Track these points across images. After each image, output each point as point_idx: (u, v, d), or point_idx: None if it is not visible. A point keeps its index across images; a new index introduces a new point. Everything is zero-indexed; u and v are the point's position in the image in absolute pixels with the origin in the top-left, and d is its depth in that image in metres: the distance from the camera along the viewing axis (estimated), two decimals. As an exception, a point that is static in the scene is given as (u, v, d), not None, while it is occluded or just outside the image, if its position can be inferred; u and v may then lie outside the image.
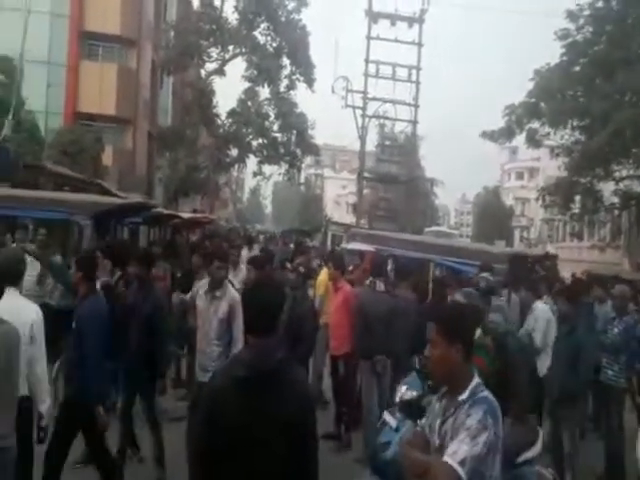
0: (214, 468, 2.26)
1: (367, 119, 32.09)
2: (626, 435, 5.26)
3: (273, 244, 17.97)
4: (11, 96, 13.77)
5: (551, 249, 26.60)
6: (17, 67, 14.91)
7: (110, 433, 4.51)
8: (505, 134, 21.43)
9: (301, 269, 6.72)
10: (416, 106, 33.94)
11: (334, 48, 78.51)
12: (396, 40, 34.43)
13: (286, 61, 28.49)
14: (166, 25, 28.85)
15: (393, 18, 34.79)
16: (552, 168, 26.84)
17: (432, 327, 2.41)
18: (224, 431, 2.25)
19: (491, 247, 13.18)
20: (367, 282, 6.81)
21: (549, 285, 7.71)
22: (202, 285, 4.97)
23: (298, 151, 29.02)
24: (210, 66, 28.81)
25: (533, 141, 21.16)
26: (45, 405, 3.52)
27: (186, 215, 16.25)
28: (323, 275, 7.99)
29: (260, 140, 28.70)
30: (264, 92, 28.58)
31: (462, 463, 2.08)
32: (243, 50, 27.76)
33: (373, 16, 34.54)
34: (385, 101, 33.19)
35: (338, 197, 69.48)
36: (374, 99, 33.12)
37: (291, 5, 28.10)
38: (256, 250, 10.46)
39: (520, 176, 57.71)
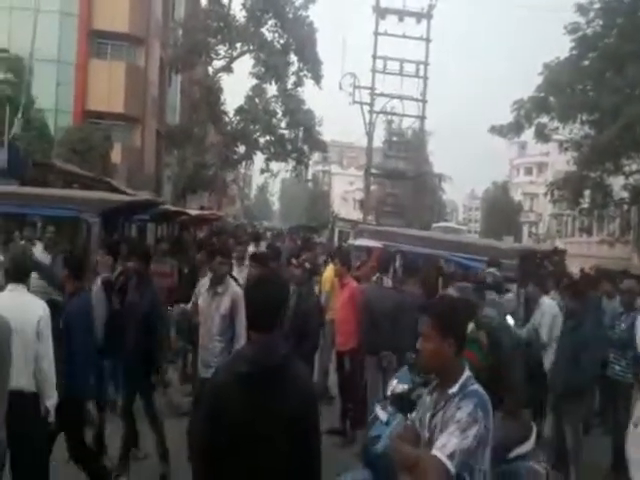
0: (217, 464, 2.26)
1: (374, 115, 32.03)
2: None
3: (280, 241, 18.00)
4: (21, 95, 13.88)
5: (560, 244, 26.45)
6: (27, 66, 15.02)
7: (111, 431, 4.58)
8: (514, 129, 21.29)
9: (307, 265, 6.75)
10: (424, 101, 33.81)
11: (341, 44, 78.44)
12: (404, 36, 34.29)
13: (293, 58, 28.46)
14: (174, 23, 28.92)
15: (401, 14, 34.65)
16: (561, 163, 26.67)
17: (424, 321, 2.39)
18: (227, 427, 2.25)
19: (501, 243, 13.18)
20: (374, 278, 6.83)
21: (557, 280, 7.68)
22: (204, 282, 4.99)
23: (305, 148, 29.00)
24: (218, 63, 28.86)
25: (542, 136, 21.01)
26: (52, 400, 3.56)
27: (193, 212, 16.33)
28: (329, 271, 8.01)
29: (267, 137, 28.71)
30: (271, 89, 28.61)
31: (451, 456, 2.07)
32: (251, 47, 27.77)
33: (381, 12, 34.42)
34: (393, 97, 33.07)
35: (345, 193, 69.41)
36: (382, 95, 33.03)
37: (298, 2, 28.06)
38: (263, 247, 10.48)
39: (529, 171, 57.34)
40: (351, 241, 19.16)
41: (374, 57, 34.04)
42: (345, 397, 6.56)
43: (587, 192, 19.81)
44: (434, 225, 27.83)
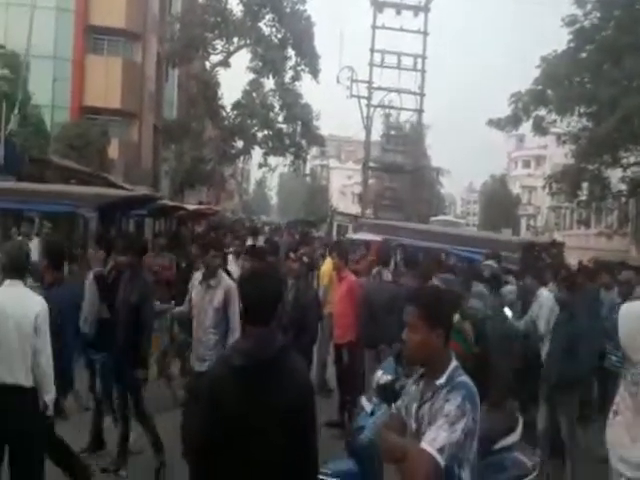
0: (213, 457, 2.27)
1: (372, 109, 31.97)
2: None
3: (278, 235, 18.02)
4: (17, 91, 13.84)
5: (558, 237, 26.49)
6: (23, 62, 14.96)
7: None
8: (511, 122, 21.25)
9: (305, 259, 6.76)
10: (422, 95, 33.80)
11: (339, 38, 78.07)
12: (401, 29, 34.21)
13: (291, 52, 28.40)
14: (171, 18, 28.80)
15: (398, 7, 34.58)
16: (559, 156, 26.64)
17: (410, 311, 2.33)
18: (223, 420, 2.25)
19: (504, 236, 13.22)
20: (374, 271, 6.84)
21: (555, 273, 7.69)
22: (197, 276, 4.98)
23: (303, 142, 28.97)
24: (215, 58, 28.79)
25: (540, 128, 20.98)
26: (50, 395, 3.56)
27: (191, 207, 16.34)
28: (327, 265, 8.03)
29: (265, 131, 28.67)
30: (269, 83, 28.55)
31: (441, 450, 2.06)
32: (248, 42, 27.68)
33: (378, 5, 34.35)
34: (390, 90, 33.02)
35: (344, 187, 69.37)
36: (379, 89, 32.99)
37: (296, -5, 27.97)
38: (261, 241, 10.50)
39: (527, 164, 57.32)
40: (349, 235, 19.19)
41: (372, 50, 33.99)
42: (343, 390, 6.57)
43: (585, 185, 19.80)
44: (432, 219, 27.83)
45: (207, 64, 29.42)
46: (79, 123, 19.70)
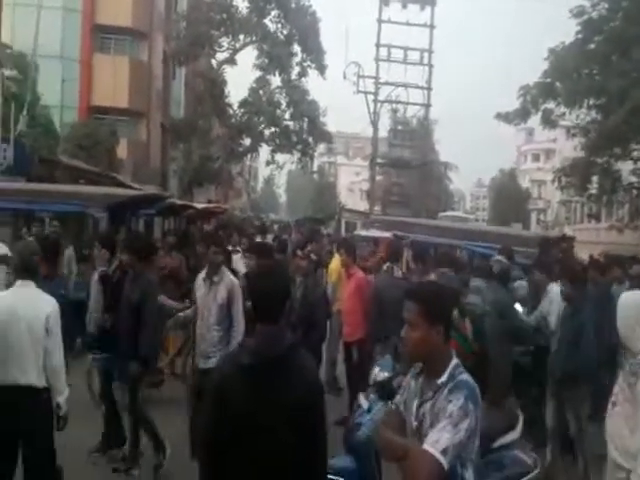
0: (222, 456, 2.26)
1: (379, 104, 31.84)
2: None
3: (287, 233, 18.04)
4: (26, 92, 13.92)
5: (568, 231, 26.28)
6: (31, 63, 15.04)
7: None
8: (520, 115, 21.06)
9: (313, 256, 6.76)
10: (429, 89, 33.59)
11: (345, 33, 77.84)
12: (407, 23, 34.01)
13: (297, 48, 28.32)
14: (177, 16, 28.84)
15: (405, 0, 34.36)
16: (569, 149, 26.44)
17: (410, 308, 2.28)
18: (231, 419, 2.25)
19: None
20: (385, 267, 6.83)
21: (564, 268, 7.63)
22: (201, 274, 4.98)
23: (310, 139, 28.93)
24: (221, 56, 28.79)
25: (549, 121, 20.79)
26: (63, 395, 3.58)
27: (200, 205, 16.39)
28: (335, 262, 8.02)
29: (272, 129, 28.65)
30: (275, 80, 28.52)
31: (444, 452, 2.03)
32: (254, 39, 27.65)
33: (384, -1, 34.13)
34: (397, 85, 32.85)
35: (352, 184, 69.27)
36: (386, 84, 32.83)
37: (302, -9, 27.90)
38: (269, 239, 10.52)
39: (536, 158, 56.95)
40: (357, 231, 19.17)
41: (378, 45, 33.81)
42: (353, 387, 6.57)
43: (595, 178, 19.61)
44: (441, 214, 27.71)
45: (213, 62, 29.44)
46: (87, 123, 19.81)
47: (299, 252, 6.82)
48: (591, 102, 18.75)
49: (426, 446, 2.07)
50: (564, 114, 20.17)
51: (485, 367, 3.97)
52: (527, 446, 3.12)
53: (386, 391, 3.20)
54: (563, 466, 5.02)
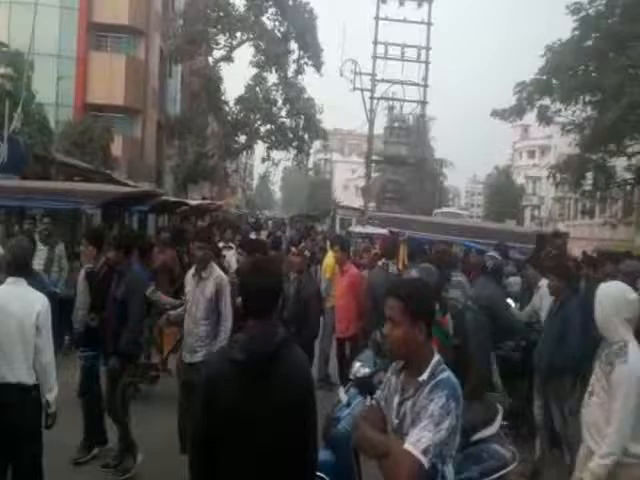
0: (213, 452, 2.27)
1: (375, 101, 31.83)
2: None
3: (281, 230, 18.07)
4: (21, 89, 13.87)
5: (562, 227, 26.40)
6: (26, 60, 14.99)
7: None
8: (516, 112, 21.10)
9: (307, 253, 6.79)
10: (425, 86, 33.58)
11: (342, 31, 77.72)
12: (404, 20, 33.95)
13: (294, 45, 28.30)
14: (174, 14, 28.76)
15: (402, -2, 34.25)
16: (564, 146, 26.49)
17: (392, 305, 2.25)
18: (222, 414, 2.24)
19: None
20: (380, 263, 6.85)
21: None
22: (191, 270, 4.99)
23: (306, 136, 28.91)
24: (218, 53, 28.73)
25: (544, 118, 20.84)
26: (52, 393, 3.58)
27: (193, 202, 16.39)
28: (329, 259, 8.05)
29: (268, 126, 28.62)
30: (272, 78, 28.48)
31: (425, 452, 2.03)
32: (251, 36, 27.59)
33: (382, -4, 34.03)
34: (394, 82, 32.83)
35: (347, 181, 69.26)
36: (382, 81, 32.82)
37: (299, -12, 27.84)
38: (263, 236, 10.55)
39: (532, 154, 56.98)
40: (351, 228, 19.21)
41: (375, 42, 33.74)
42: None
43: (589, 174, 19.67)
44: (436, 211, 27.77)
45: (210, 59, 29.38)
46: (82, 120, 19.76)
47: (293, 249, 6.85)
48: (587, 99, 18.80)
49: (407, 446, 2.07)
50: (560, 111, 20.20)
51: (465, 362, 3.99)
52: (506, 440, 3.14)
53: (367, 387, 3.21)
54: (552, 460, 5.06)
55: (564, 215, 36.27)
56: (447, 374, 2.21)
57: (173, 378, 6.52)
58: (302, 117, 28.18)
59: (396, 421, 2.27)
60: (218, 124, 29.68)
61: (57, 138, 17.24)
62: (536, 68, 19.89)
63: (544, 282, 6.62)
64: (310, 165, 40.10)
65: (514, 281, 7.76)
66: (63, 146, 16.82)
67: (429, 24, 34.31)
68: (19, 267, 3.67)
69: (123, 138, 22.69)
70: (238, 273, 6.22)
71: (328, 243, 10.06)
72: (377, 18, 33.89)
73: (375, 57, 33.42)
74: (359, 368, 3.84)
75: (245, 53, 25.96)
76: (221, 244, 8.95)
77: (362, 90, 31.12)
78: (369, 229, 13.76)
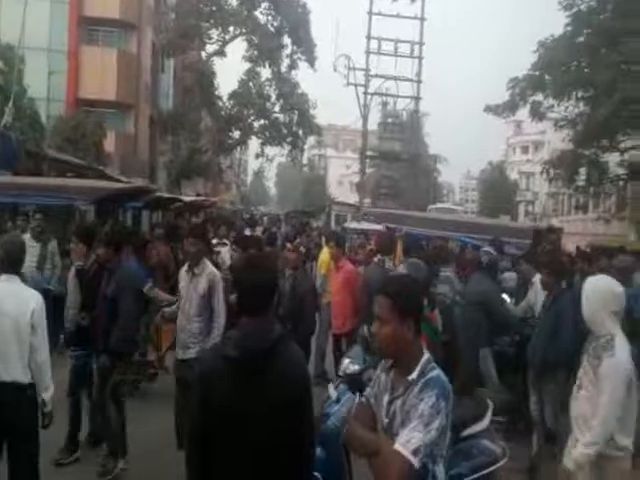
0: (208, 448, 2.26)
1: (369, 97, 31.76)
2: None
3: (276, 226, 18.05)
4: (11, 84, 13.75)
5: (556, 222, 26.50)
6: (17, 54, 14.85)
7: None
8: (509, 107, 21.14)
9: (302, 249, 6.78)
10: (419, 82, 33.52)
11: (335, 25, 77.59)
12: (398, 15, 33.87)
13: (287, 40, 28.19)
14: (166, 8, 28.57)
15: (395, -7, 34.14)
16: (557, 141, 26.59)
17: (379, 302, 2.24)
18: (217, 411, 2.23)
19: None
20: (376, 259, 6.85)
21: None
22: (184, 267, 4.97)
23: (300, 131, 28.85)
24: (211, 48, 28.58)
25: (537, 114, 20.89)
26: (48, 392, 3.55)
27: (187, 198, 16.33)
28: (324, 255, 8.04)
29: (262, 121, 28.56)
30: (265, 72, 28.38)
31: (416, 452, 2.02)
32: (244, 30, 27.47)
33: (374, -9, 33.91)
34: (387, 78, 32.76)
35: (342, 177, 69.22)
36: (376, 76, 32.75)
37: (292, -17, 27.71)
38: (258, 232, 10.53)
39: (525, 150, 57.21)
40: (346, 224, 19.20)
41: (368, 38, 33.63)
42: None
43: (583, 170, 19.76)
44: (430, 206, 27.81)
45: (203, 54, 29.22)
46: (74, 116, 19.60)
47: (288, 245, 6.84)
48: (579, 94, 18.85)
49: (397, 446, 2.05)
50: (552, 106, 20.26)
51: (454, 357, 3.99)
52: (496, 435, 3.14)
53: (356, 384, 3.20)
54: (548, 455, 5.07)
55: (558, 210, 36.44)
56: (437, 372, 2.19)
57: (170, 375, 6.52)
58: (296, 112, 28.13)
59: (386, 420, 2.25)
60: (211, 119, 29.58)
61: (49, 134, 17.10)
62: (529, 64, 19.94)
63: (538, 277, 6.66)
64: (304, 161, 40.01)
65: (509, 277, 7.79)
66: (55, 142, 16.69)
67: (422, 19, 34.25)
68: (12, 264, 3.62)
69: (116, 134, 22.55)
70: (232, 269, 6.20)
71: (323, 239, 10.06)
72: (370, 13, 33.76)
73: (368, 52, 33.31)
74: (348, 365, 3.82)
75: (238, 48, 26.07)
76: (215, 240, 8.94)
77: (356, 85, 31.04)
78: (364, 225, 13.74)
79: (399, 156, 34.39)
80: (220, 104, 28.52)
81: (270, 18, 27.93)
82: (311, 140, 36.13)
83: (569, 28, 18.39)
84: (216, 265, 5.59)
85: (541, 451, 5.14)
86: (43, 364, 3.52)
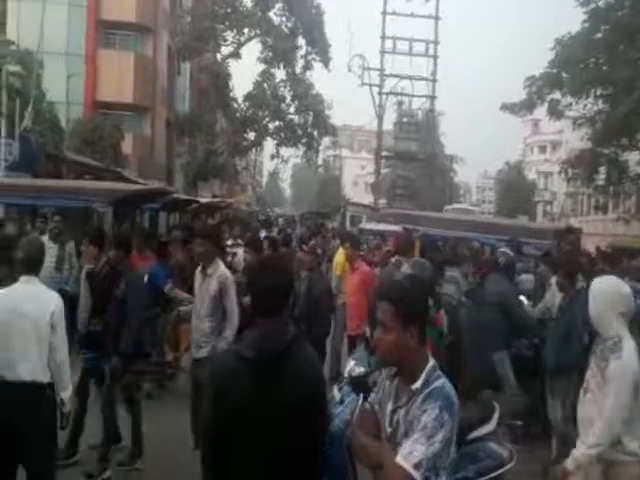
0: (223, 450, 2.25)
1: (384, 97, 31.66)
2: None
3: (291, 227, 18.08)
4: (30, 87, 13.97)
5: (575, 223, 26.16)
6: (35, 59, 15.08)
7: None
8: (526, 106, 20.92)
9: (318, 250, 6.77)
10: (434, 81, 33.33)
11: (349, 26, 77.54)
12: (412, 15, 33.74)
13: (301, 41, 28.24)
14: (181, 11, 28.81)
15: (409, -8, 34.02)
16: (575, 140, 26.26)
17: (382, 308, 2.15)
18: (232, 412, 2.23)
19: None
20: (393, 260, 6.81)
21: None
22: (199, 268, 4.99)
23: (315, 132, 28.87)
24: (226, 50, 28.75)
25: (555, 112, 20.64)
26: (67, 392, 3.58)
27: (204, 200, 16.43)
28: (340, 256, 8.02)
29: (277, 122, 28.62)
30: (280, 74, 28.45)
31: (417, 466, 1.98)
32: (258, 32, 27.57)
33: (389, -9, 33.81)
34: (402, 77, 32.62)
35: (357, 177, 69.15)
36: (391, 75, 32.63)
37: (306, -16, 27.76)
38: (274, 233, 10.55)
39: (543, 150, 56.61)
40: (361, 225, 19.16)
41: (382, 37, 33.52)
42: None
43: (602, 169, 19.48)
44: (446, 207, 27.64)
45: (218, 56, 29.39)
46: (92, 118, 19.86)
47: (304, 246, 6.83)
48: (598, 92, 18.59)
49: (399, 459, 2.02)
50: (570, 105, 20.00)
51: (460, 359, 3.94)
52: (503, 438, 3.11)
53: (361, 387, 3.18)
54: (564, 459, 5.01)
55: (577, 210, 36.00)
56: (441, 381, 2.12)
57: (187, 375, 6.57)
58: (311, 113, 28.15)
59: (389, 429, 2.21)
60: (227, 121, 29.72)
61: (67, 136, 17.34)
62: (546, 62, 19.72)
63: (554, 279, 6.58)
64: (319, 162, 40.05)
65: (526, 278, 7.71)
66: (74, 144, 16.94)
67: (437, 18, 34.06)
68: (32, 265, 3.66)
69: (133, 136, 22.82)
70: (245, 272, 6.22)
71: (337, 240, 10.04)
72: (384, 13, 33.68)
73: (383, 52, 33.20)
74: (354, 367, 3.80)
75: (253, 49, 26.19)
76: (230, 241, 8.97)
77: (370, 85, 30.96)
78: (381, 226, 13.70)
79: (415, 156, 34.20)
80: (235, 106, 28.66)
81: (284, 19, 28.02)
82: (326, 141, 36.18)
83: (586, 25, 18.16)
84: (230, 268, 5.61)
85: (560, 456, 5.07)
86: (62, 363, 3.55)
